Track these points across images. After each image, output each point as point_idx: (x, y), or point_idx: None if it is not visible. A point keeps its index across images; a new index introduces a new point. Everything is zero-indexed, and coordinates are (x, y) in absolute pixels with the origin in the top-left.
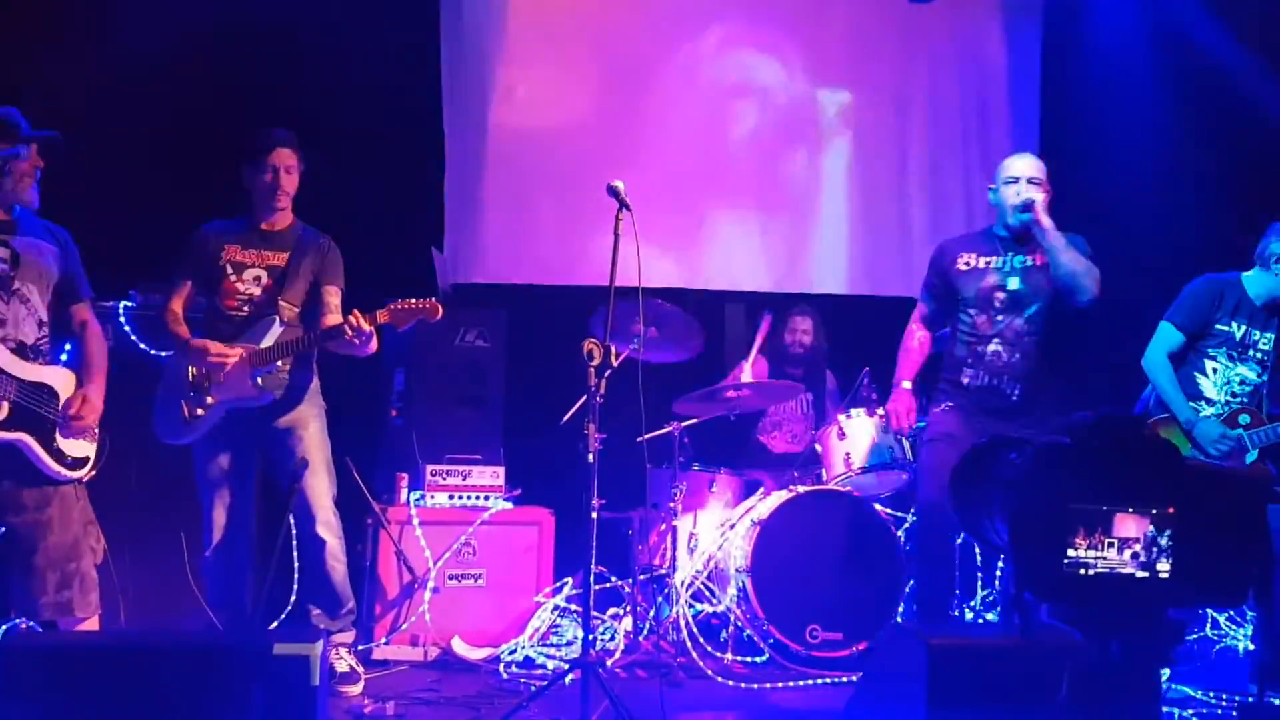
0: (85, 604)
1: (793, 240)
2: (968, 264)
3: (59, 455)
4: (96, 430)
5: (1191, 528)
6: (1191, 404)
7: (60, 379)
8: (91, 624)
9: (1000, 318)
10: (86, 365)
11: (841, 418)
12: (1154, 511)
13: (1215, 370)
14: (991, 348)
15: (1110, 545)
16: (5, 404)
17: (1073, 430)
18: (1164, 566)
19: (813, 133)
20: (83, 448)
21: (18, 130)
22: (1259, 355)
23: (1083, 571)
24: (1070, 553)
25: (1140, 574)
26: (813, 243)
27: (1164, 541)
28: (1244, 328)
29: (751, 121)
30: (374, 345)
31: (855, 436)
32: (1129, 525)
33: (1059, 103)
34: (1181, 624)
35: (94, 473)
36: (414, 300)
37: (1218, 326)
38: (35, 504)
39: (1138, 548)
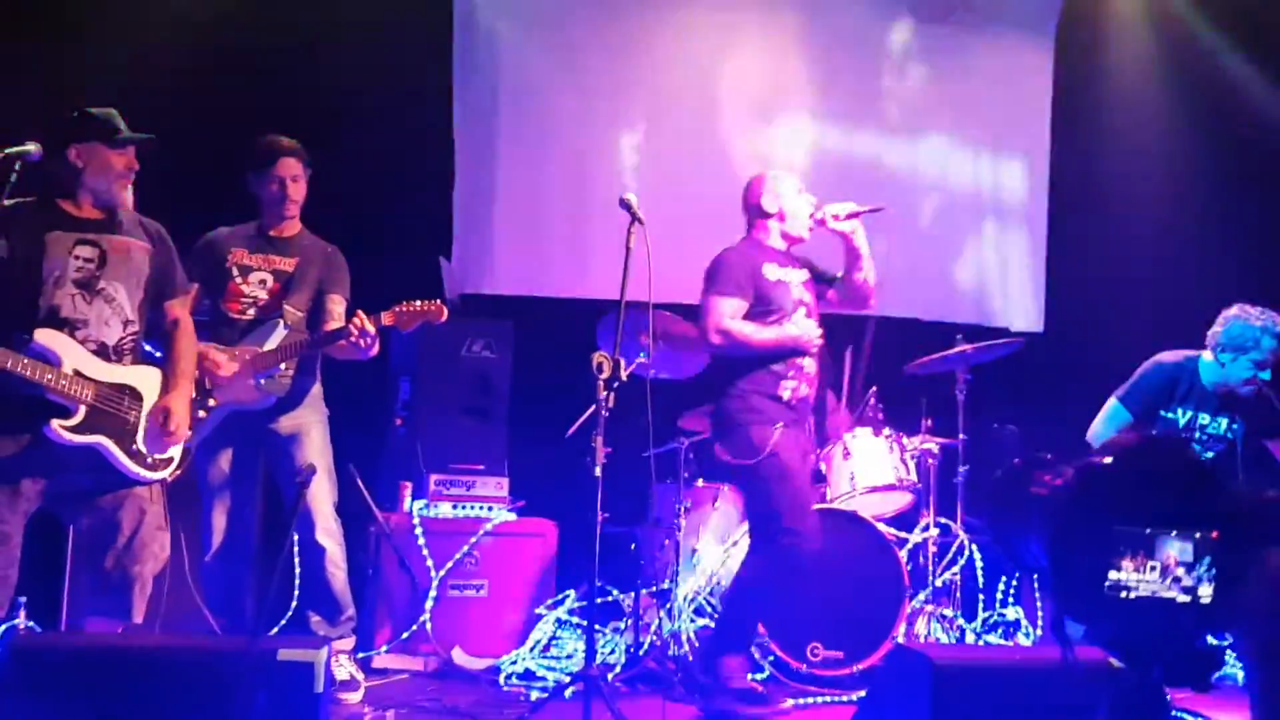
0: (140, 610)
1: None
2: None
3: (138, 456)
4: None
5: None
6: None
7: (144, 379)
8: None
9: None
10: (172, 368)
11: (847, 436)
12: (1197, 535)
13: None
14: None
15: (1153, 569)
16: (82, 407)
17: (1116, 451)
18: (1205, 591)
19: (822, 153)
20: (167, 450)
21: (116, 131)
22: (1203, 439)
23: (1124, 595)
24: (1112, 575)
25: (1182, 598)
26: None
27: (1206, 566)
28: (1190, 414)
29: (764, 139)
30: (375, 349)
31: (860, 456)
32: (1172, 549)
33: (1070, 125)
34: (1221, 650)
35: (179, 472)
36: (419, 302)
37: (1164, 413)
38: (111, 505)
39: (1180, 572)
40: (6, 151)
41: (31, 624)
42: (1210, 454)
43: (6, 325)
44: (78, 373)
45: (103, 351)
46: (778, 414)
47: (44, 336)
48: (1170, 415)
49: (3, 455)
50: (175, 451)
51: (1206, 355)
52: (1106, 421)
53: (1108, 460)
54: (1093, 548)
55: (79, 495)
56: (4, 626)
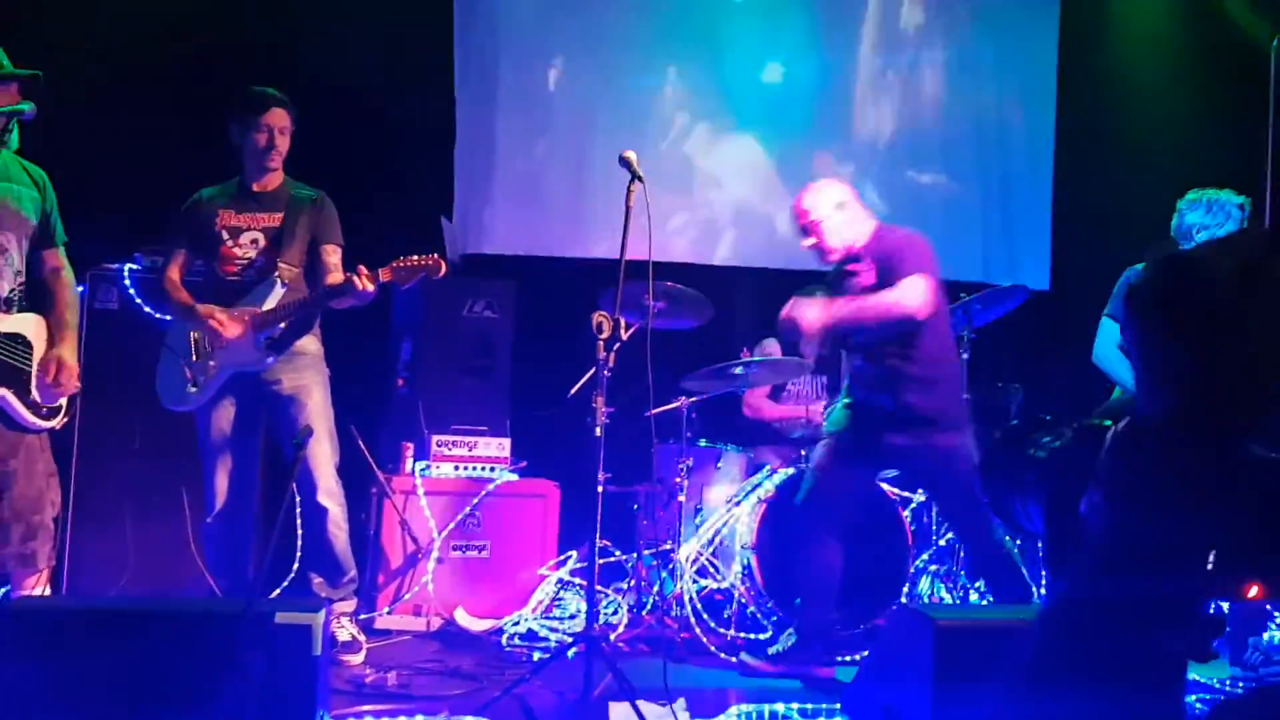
0: (45, 555)
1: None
2: None
3: (34, 406)
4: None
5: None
6: None
7: (31, 327)
8: (43, 577)
9: None
10: (58, 318)
11: None
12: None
13: None
14: None
15: None
16: None
17: (1114, 413)
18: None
19: (830, 113)
20: (56, 400)
21: None
22: None
23: None
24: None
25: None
26: None
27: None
28: None
29: (770, 97)
30: (374, 293)
31: None
32: None
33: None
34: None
35: (65, 419)
36: (416, 257)
37: None
38: (3, 454)
39: None
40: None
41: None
42: None
43: None
44: None
45: None
46: None
47: None
48: None
49: None
50: (63, 401)
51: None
52: (1102, 340)
53: (1107, 422)
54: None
55: None
56: (5, 589)
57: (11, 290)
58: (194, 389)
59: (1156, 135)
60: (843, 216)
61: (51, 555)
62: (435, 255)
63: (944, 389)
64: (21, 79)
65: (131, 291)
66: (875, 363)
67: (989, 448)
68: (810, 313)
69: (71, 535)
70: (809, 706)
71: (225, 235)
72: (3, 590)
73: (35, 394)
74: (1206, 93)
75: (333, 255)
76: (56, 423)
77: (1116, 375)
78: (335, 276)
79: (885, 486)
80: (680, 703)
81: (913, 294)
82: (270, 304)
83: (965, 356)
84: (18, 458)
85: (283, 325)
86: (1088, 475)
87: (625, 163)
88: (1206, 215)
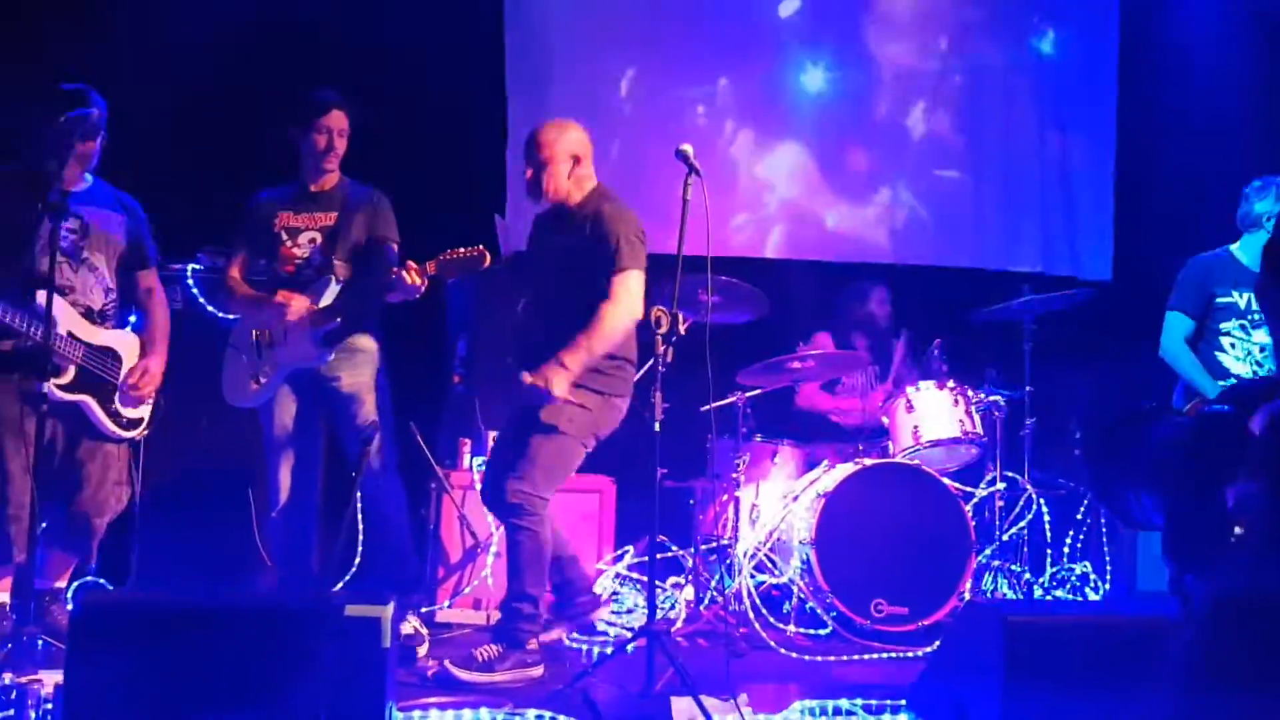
0: (89, 553)
1: (862, 210)
2: None
3: (116, 416)
4: (154, 396)
5: None
6: (1220, 381)
7: (125, 344)
8: (71, 569)
9: None
10: (150, 334)
11: (910, 390)
12: None
13: (1233, 345)
14: None
15: None
16: (72, 367)
17: (1235, 399)
18: None
19: (884, 103)
20: (139, 410)
21: (62, 109)
22: (1262, 320)
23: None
24: (1238, 529)
25: None
26: (883, 213)
27: None
28: (1247, 295)
29: (821, 88)
30: (424, 287)
31: (924, 409)
32: None
33: (1139, 78)
34: None
35: (147, 432)
36: (461, 250)
37: (1220, 300)
38: (84, 457)
39: None
40: (68, 116)
41: (102, 580)
42: (1269, 348)
43: (6, 286)
44: (71, 335)
45: (89, 315)
46: None
47: (43, 299)
48: (1227, 299)
49: (7, 404)
50: (145, 412)
51: (1236, 243)
52: (1170, 334)
53: (1226, 408)
54: (1214, 500)
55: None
56: (76, 584)
57: (104, 305)
58: (256, 385)
59: (1222, 121)
60: (569, 169)
61: (95, 552)
62: (480, 247)
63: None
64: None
65: (195, 291)
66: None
67: (1095, 437)
68: (558, 383)
69: (141, 532)
70: (873, 703)
71: (284, 236)
72: (76, 584)
73: (119, 404)
74: (1275, 77)
75: (387, 253)
76: (137, 434)
77: (1184, 370)
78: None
79: (947, 481)
80: (743, 698)
81: (633, 301)
82: (326, 301)
83: (1027, 347)
84: (95, 462)
85: (338, 320)
86: (1214, 465)
87: (682, 156)
88: (1276, 202)
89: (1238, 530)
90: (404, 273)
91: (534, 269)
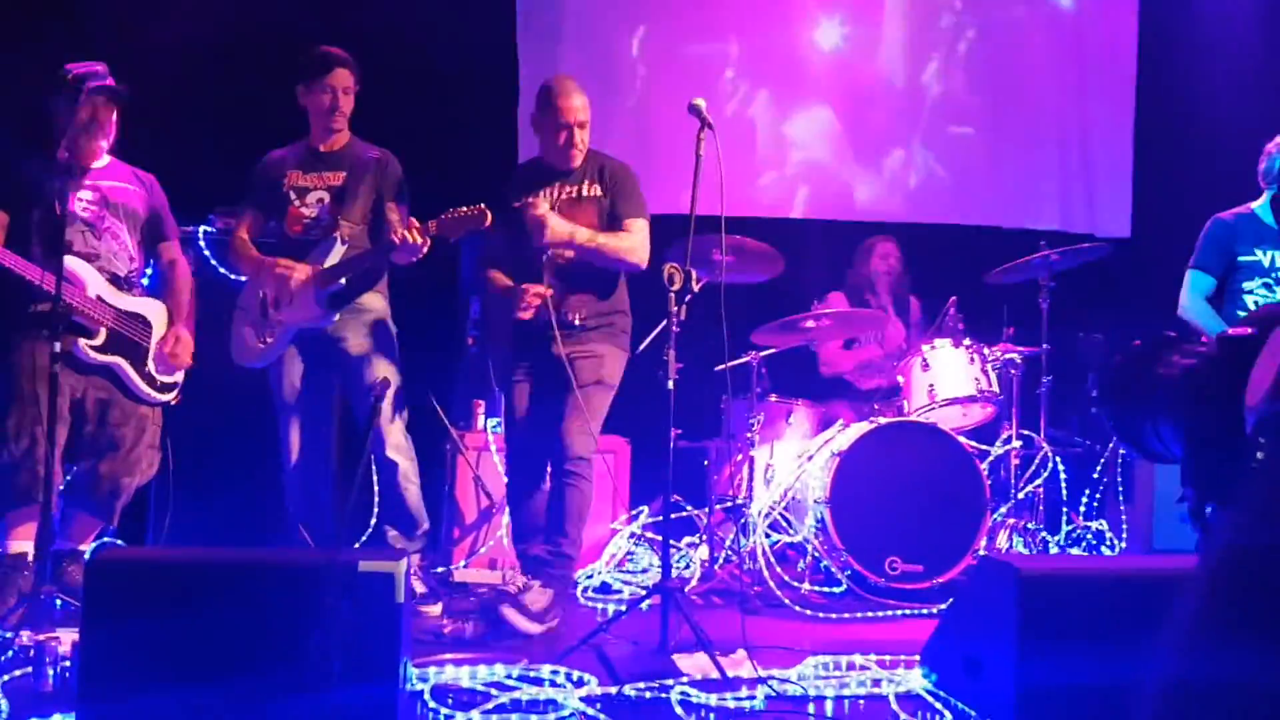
0: (116, 515)
1: (877, 169)
2: None
3: (150, 379)
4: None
5: None
6: None
7: (153, 310)
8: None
9: None
10: (177, 303)
11: (925, 348)
12: None
13: (1257, 304)
14: None
15: None
16: (104, 330)
17: (1259, 321)
18: None
19: (901, 59)
20: (173, 375)
21: (79, 85)
22: None
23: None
24: (1260, 455)
25: None
26: (899, 172)
27: None
28: (1270, 253)
29: (836, 43)
30: (425, 248)
31: (939, 367)
32: None
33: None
34: None
35: (180, 398)
36: (462, 209)
37: (1242, 259)
38: (118, 420)
39: None
40: (75, 73)
41: (119, 542)
42: None
43: (33, 252)
44: (100, 298)
45: (115, 281)
46: None
47: (71, 262)
48: (1251, 258)
49: (41, 357)
50: (179, 377)
51: (1259, 201)
52: (1191, 291)
53: (1249, 331)
54: (1235, 426)
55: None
56: (96, 543)
57: (128, 271)
58: (262, 345)
59: (1243, 75)
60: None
61: (119, 514)
62: (481, 206)
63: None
64: (104, 93)
65: (207, 253)
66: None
67: (1112, 370)
68: (555, 222)
69: (161, 499)
70: (887, 658)
71: (293, 196)
72: (98, 543)
73: (152, 367)
74: None
75: (394, 213)
76: (170, 398)
77: (1206, 328)
78: (395, 233)
79: (963, 439)
80: (740, 653)
81: (642, 247)
82: (331, 261)
83: (1044, 305)
84: (129, 425)
85: (343, 281)
86: (1237, 388)
87: (695, 110)
88: None
89: (1259, 455)
90: (406, 233)
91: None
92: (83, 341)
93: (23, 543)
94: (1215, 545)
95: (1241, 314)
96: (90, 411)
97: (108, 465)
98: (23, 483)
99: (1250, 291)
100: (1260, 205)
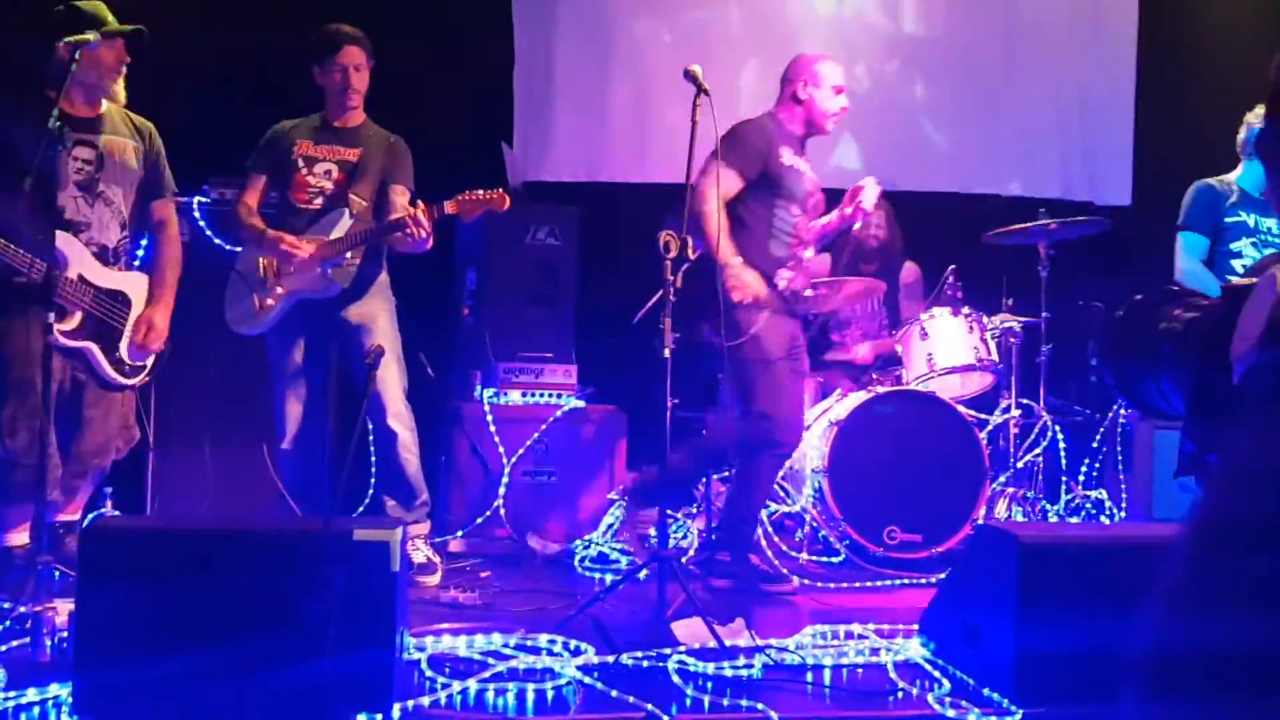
0: (84, 495)
1: (874, 135)
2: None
3: (119, 364)
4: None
5: None
6: None
7: (134, 286)
8: (78, 508)
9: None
10: (159, 275)
11: (924, 316)
12: None
13: (1245, 267)
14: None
15: None
16: (79, 313)
17: (1259, 271)
18: None
19: (896, 25)
20: (143, 359)
21: (103, 23)
22: (1271, 242)
23: None
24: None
25: None
26: (897, 138)
27: None
28: (1254, 216)
29: (831, 8)
30: (430, 243)
31: (938, 336)
32: None
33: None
34: None
35: (147, 379)
36: (481, 191)
37: (1228, 220)
38: (90, 401)
39: None
40: (66, 40)
41: (116, 512)
42: None
43: (24, 222)
44: (81, 278)
45: (102, 255)
46: (768, 300)
47: (60, 240)
48: (1236, 219)
49: (34, 339)
50: (149, 361)
51: (1237, 171)
52: (1185, 253)
53: (1251, 281)
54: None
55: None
56: (93, 514)
57: (118, 241)
58: (260, 309)
59: (1245, 44)
60: None
61: (88, 495)
62: (500, 190)
63: None
64: (125, 35)
65: (202, 224)
66: None
67: (1113, 327)
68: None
69: (154, 463)
70: (885, 627)
71: (301, 164)
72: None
73: (123, 351)
74: None
75: (400, 196)
76: (138, 381)
77: (1206, 290)
78: (399, 214)
79: (961, 408)
80: (740, 622)
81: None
82: (337, 233)
83: (1044, 273)
84: (98, 407)
85: (349, 254)
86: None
87: (690, 76)
88: None
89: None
90: (407, 213)
91: None
92: (55, 326)
93: (20, 534)
94: (1191, 518)
95: (1232, 278)
96: (68, 392)
97: (78, 447)
98: (21, 481)
99: (1239, 253)
100: (1239, 175)
